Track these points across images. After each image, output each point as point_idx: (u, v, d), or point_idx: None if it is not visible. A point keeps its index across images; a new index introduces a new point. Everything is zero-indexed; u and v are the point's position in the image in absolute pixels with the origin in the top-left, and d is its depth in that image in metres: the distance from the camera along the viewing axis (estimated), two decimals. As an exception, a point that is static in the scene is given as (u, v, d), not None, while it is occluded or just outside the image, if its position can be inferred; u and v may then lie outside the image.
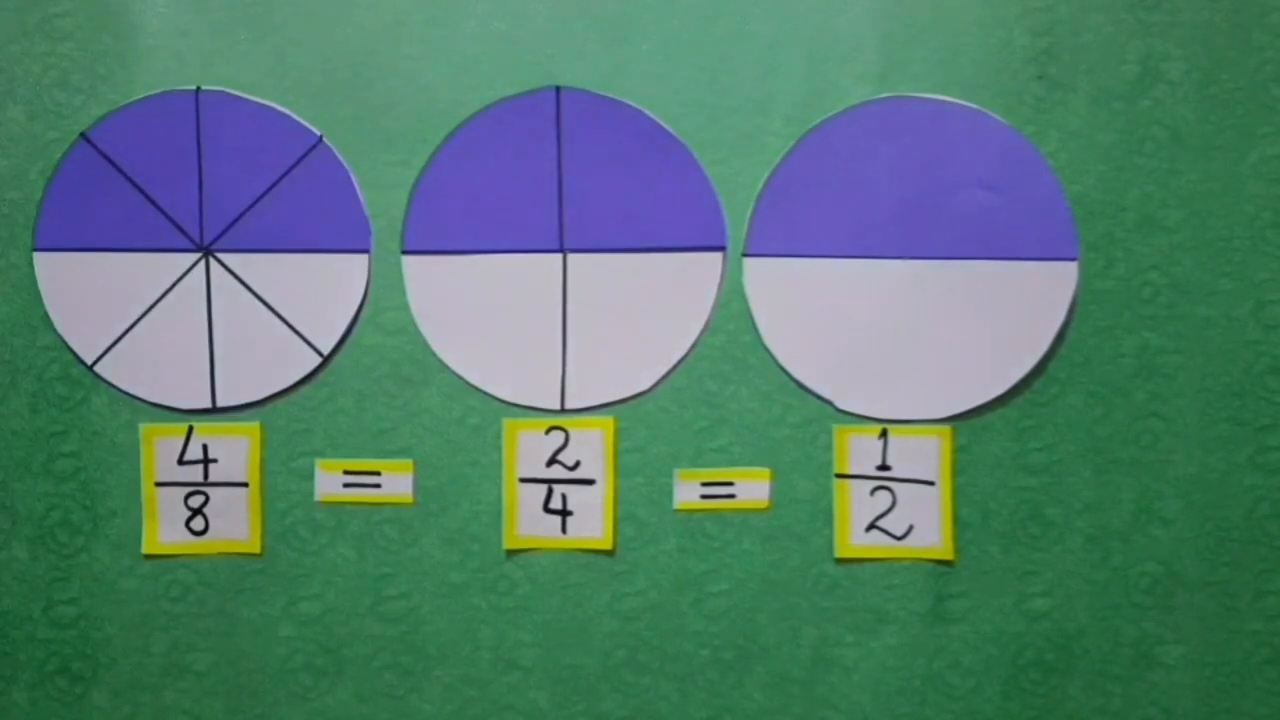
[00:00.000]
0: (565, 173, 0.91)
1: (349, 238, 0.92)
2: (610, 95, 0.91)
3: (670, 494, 0.92)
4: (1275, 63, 0.89)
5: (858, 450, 0.92)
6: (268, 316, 0.93)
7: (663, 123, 0.91)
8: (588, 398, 0.92)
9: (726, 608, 0.92)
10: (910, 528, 0.92)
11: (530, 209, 0.91)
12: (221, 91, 0.92)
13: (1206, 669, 0.91)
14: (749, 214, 0.91)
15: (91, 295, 0.93)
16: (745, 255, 0.91)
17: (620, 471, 0.92)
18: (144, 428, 0.93)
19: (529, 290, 0.92)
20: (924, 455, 0.91)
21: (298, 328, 0.93)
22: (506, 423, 0.93)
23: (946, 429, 0.91)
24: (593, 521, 0.92)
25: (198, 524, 0.93)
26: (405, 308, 0.92)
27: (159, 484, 0.93)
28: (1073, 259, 0.90)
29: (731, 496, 0.92)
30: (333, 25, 0.91)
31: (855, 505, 0.92)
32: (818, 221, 0.91)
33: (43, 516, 0.93)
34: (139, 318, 0.93)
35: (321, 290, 0.92)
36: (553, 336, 0.92)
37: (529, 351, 0.92)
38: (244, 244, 0.92)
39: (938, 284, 0.90)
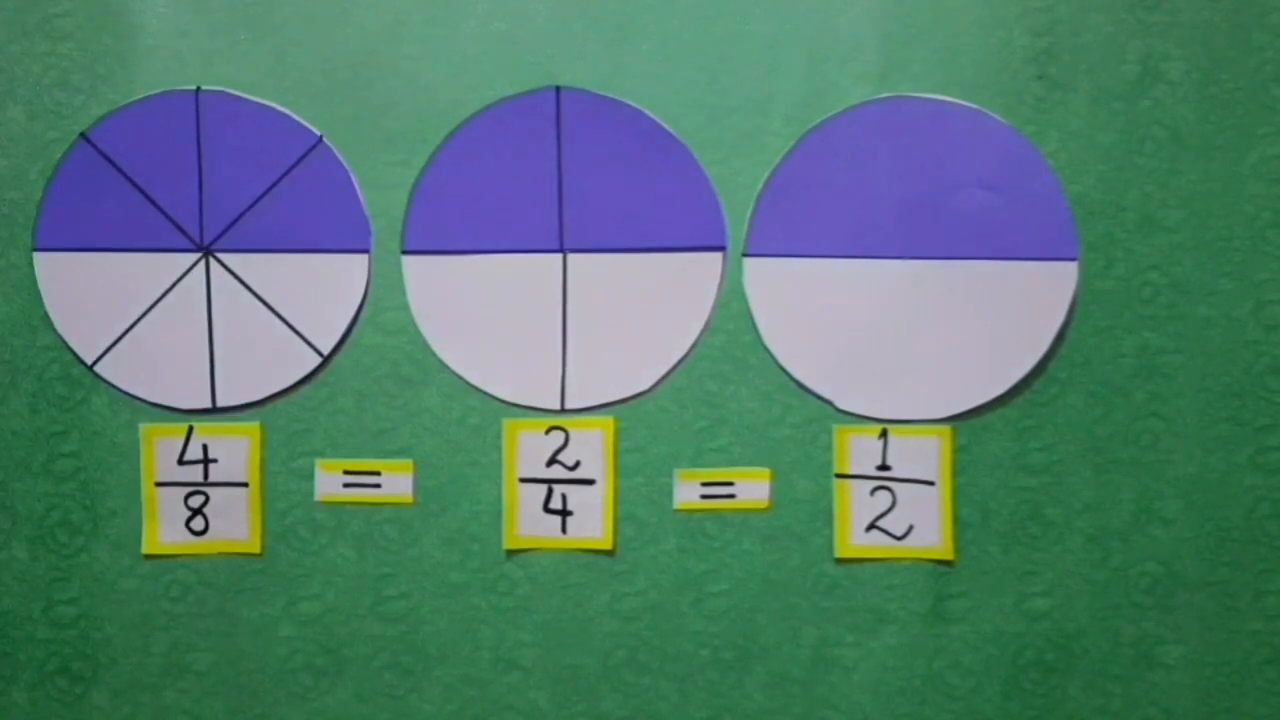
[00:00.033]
0: (565, 173, 0.91)
1: (349, 238, 0.92)
2: (610, 95, 0.91)
3: (670, 494, 0.92)
4: (1275, 63, 0.89)
5: (858, 450, 0.92)
6: (268, 316, 0.93)
7: (663, 123, 0.91)
8: (588, 398, 0.92)
9: (726, 608, 0.92)
10: (910, 528, 0.92)
11: (530, 209, 0.91)
12: (221, 91, 0.92)
13: (1206, 669, 0.91)
14: (749, 214, 0.91)
15: (91, 295, 0.93)
16: (745, 255, 0.91)
17: (620, 471, 0.92)
18: (144, 428, 0.93)
19: (529, 290, 0.92)
20: (924, 455, 0.91)
21: (298, 328, 0.93)
22: (506, 423, 0.93)
23: (946, 429, 0.91)
24: (593, 521, 0.92)
25: (198, 524, 0.93)
26: (405, 308, 0.92)
27: (159, 484, 0.93)
28: (1073, 259, 0.90)
29: (731, 496, 0.92)
30: (333, 25, 0.91)
31: (855, 505, 0.92)
32: (818, 221, 0.91)
33: (43, 516, 0.93)
34: (139, 318, 0.93)
35: (321, 290, 0.92)
36: (553, 336, 0.92)
37: (529, 351, 0.92)
38: (244, 244, 0.92)
39: (938, 284, 0.90)
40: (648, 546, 0.92)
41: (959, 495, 0.91)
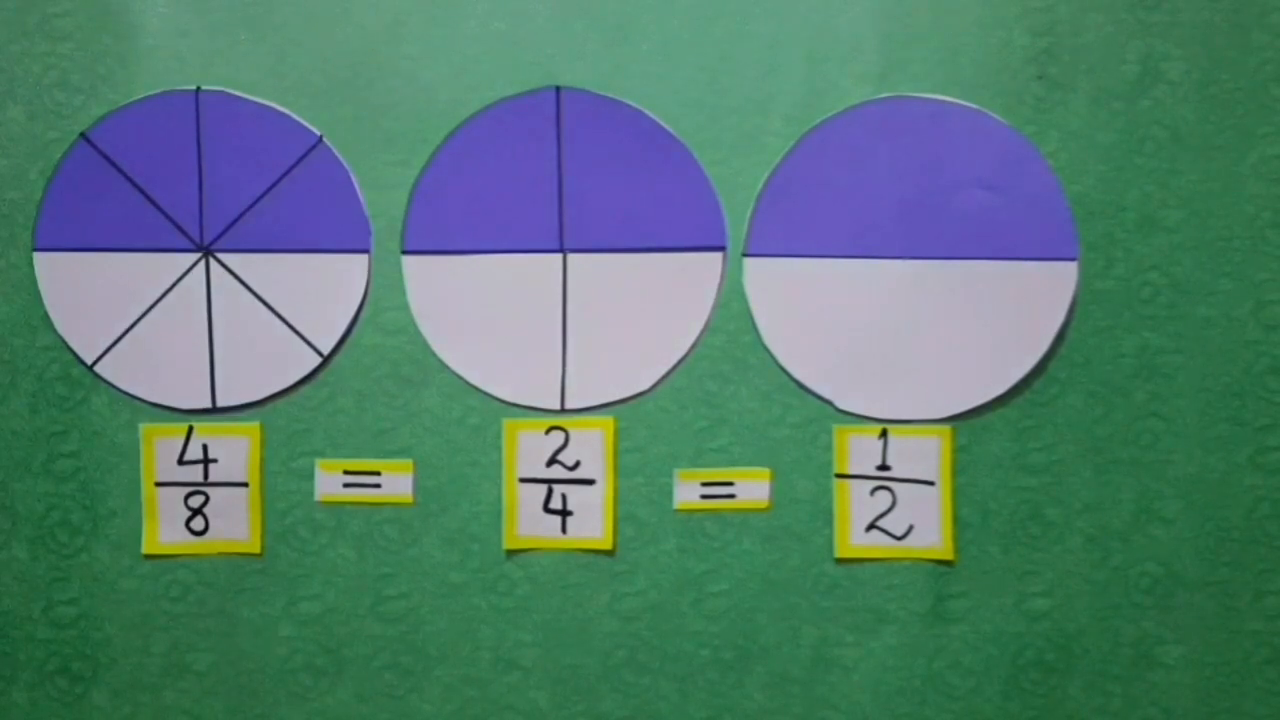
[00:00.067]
0: (565, 173, 0.91)
1: (349, 238, 0.92)
2: (610, 95, 0.91)
3: (670, 494, 0.92)
4: (1275, 63, 0.89)
5: (858, 450, 0.92)
6: (268, 316, 0.93)
7: (663, 123, 0.91)
8: (588, 398, 0.92)
9: (726, 608, 0.92)
10: (910, 528, 0.92)
11: (530, 209, 0.91)
12: (221, 91, 0.92)
13: (1206, 669, 0.91)
14: (749, 214, 0.91)
15: (91, 295, 0.93)
16: (745, 255, 0.91)
17: (620, 471, 0.92)
18: (144, 428, 0.93)
19: (529, 290, 0.92)
20: (924, 455, 0.91)
21: (298, 328, 0.93)
22: (506, 423, 0.93)
23: (946, 429, 0.91)
24: (593, 521, 0.92)
25: (198, 524, 0.93)
26: (405, 308, 0.92)
27: (159, 484, 0.93)
28: (1073, 259, 0.90)
29: (731, 496, 0.92)
30: (333, 25, 0.91)
31: (855, 505, 0.92)
32: (818, 221, 0.91)
33: (43, 516, 0.93)
34: (139, 318, 0.93)
35: (321, 290, 0.92)
36: (553, 336, 0.92)
37: (529, 351, 0.92)
38: (244, 244, 0.92)
39: (938, 284, 0.91)
40: (648, 546, 0.92)
41: (959, 495, 0.91)
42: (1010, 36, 0.89)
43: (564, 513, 0.93)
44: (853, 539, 0.92)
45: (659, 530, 0.92)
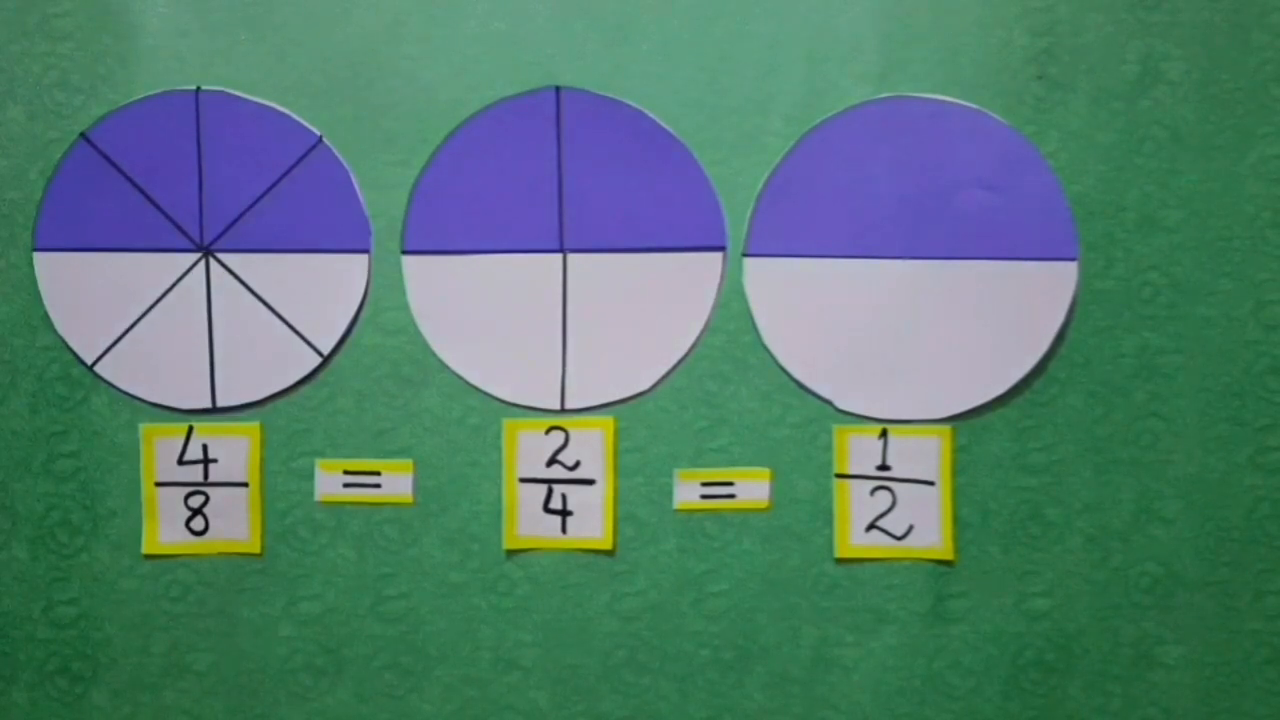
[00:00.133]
0: (565, 173, 0.91)
1: (349, 238, 0.92)
2: (610, 95, 0.91)
3: (670, 494, 0.92)
4: (1275, 63, 0.89)
5: (858, 450, 0.92)
6: (268, 316, 0.93)
7: (663, 123, 0.91)
8: (588, 398, 0.92)
9: (726, 608, 0.92)
10: (910, 528, 0.92)
11: (530, 209, 0.91)
12: (221, 91, 0.92)
13: (1206, 669, 0.91)
14: (749, 214, 0.91)
15: (91, 295, 0.93)
16: (745, 255, 0.91)
17: (620, 471, 0.92)
18: (144, 428, 0.93)
19: (529, 290, 0.92)
20: (924, 455, 0.91)
21: (298, 328, 0.93)
22: (506, 423, 0.93)
23: (946, 429, 0.91)
24: (593, 521, 0.92)
25: (198, 524, 0.93)
26: (405, 308, 0.92)
27: (159, 484, 0.93)
28: (1073, 259, 0.90)
29: (731, 496, 0.92)
30: (333, 25, 0.91)
31: (855, 505, 0.92)
32: (818, 221, 0.91)
33: (43, 516, 0.93)
34: (139, 318, 0.93)
35: (321, 290, 0.92)
36: (553, 336, 0.92)
37: (529, 351, 0.92)
38: (244, 244, 0.92)
39: (938, 284, 0.91)
40: (648, 546, 0.92)
41: (959, 495, 0.91)
42: (1010, 36, 0.89)
43: (564, 513, 0.93)
44: (853, 539, 0.92)
45: (659, 530, 0.92)
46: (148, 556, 0.94)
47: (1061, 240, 0.90)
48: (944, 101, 0.90)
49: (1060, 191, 0.90)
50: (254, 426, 0.93)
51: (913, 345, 0.91)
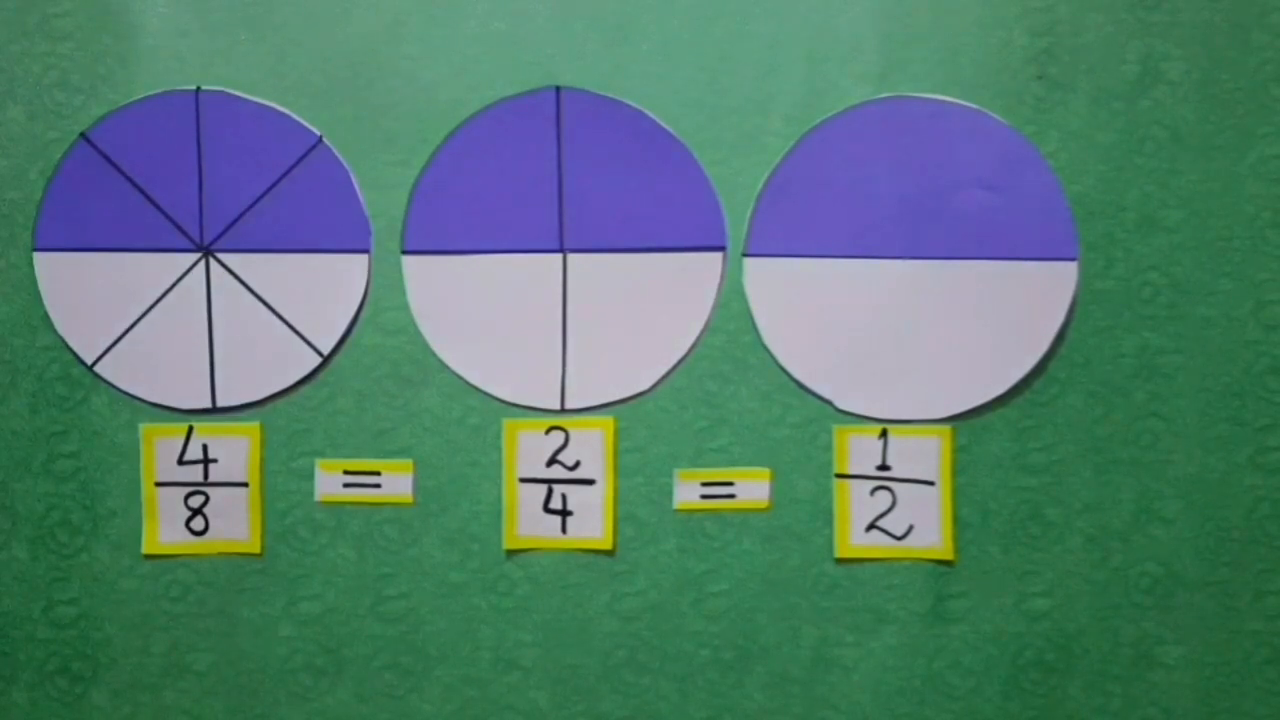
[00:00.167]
0: (565, 173, 0.91)
1: (349, 238, 0.92)
2: (610, 95, 0.91)
3: (670, 494, 0.92)
4: (1275, 63, 0.89)
5: (858, 450, 0.92)
6: (268, 316, 0.93)
7: (663, 123, 0.91)
8: (588, 398, 0.92)
9: (726, 608, 0.92)
10: (910, 528, 0.92)
11: (530, 209, 0.91)
12: (221, 91, 0.92)
13: (1206, 669, 0.91)
14: (749, 214, 0.91)
15: (91, 295, 0.93)
16: (745, 255, 0.91)
17: (620, 471, 0.92)
18: (144, 428, 0.93)
19: (529, 290, 0.92)
20: (924, 455, 0.91)
21: (298, 328, 0.93)
22: (506, 423, 0.93)
23: (946, 429, 0.91)
24: (593, 521, 0.92)
25: (198, 524, 0.93)
26: (405, 308, 0.92)
27: (159, 484, 0.93)
28: (1073, 259, 0.90)
29: (731, 496, 0.92)
30: (333, 25, 0.91)
31: (855, 505, 0.92)
32: (818, 221, 0.91)
33: (43, 516, 0.93)
34: (139, 318, 0.93)
35: (321, 290, 0.92)
36: (553, 336, 0.92)
37: (529, 351, 0.92)
38: (244, 244, 0.92)
39: (938, 284, 0.91)
40: (648, 546, 0.92)
41: (959, 495, 0.91)
42: (1010, 36, 0.89)
43: (564, 513, 0.93)
44: (853, 539, 0.92)
45: (659, 530, 0.92)
46: (148, 556, 0.94)
47: (1061, 240, 0.90)
48: (944, 101, 0.90)
49: (1060, 191, 0.90)
50: (254, 426, 0.93)
51: (913, 345, 0.91)
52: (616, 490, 0.92)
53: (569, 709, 0.93)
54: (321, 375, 0.93)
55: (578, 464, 0.92)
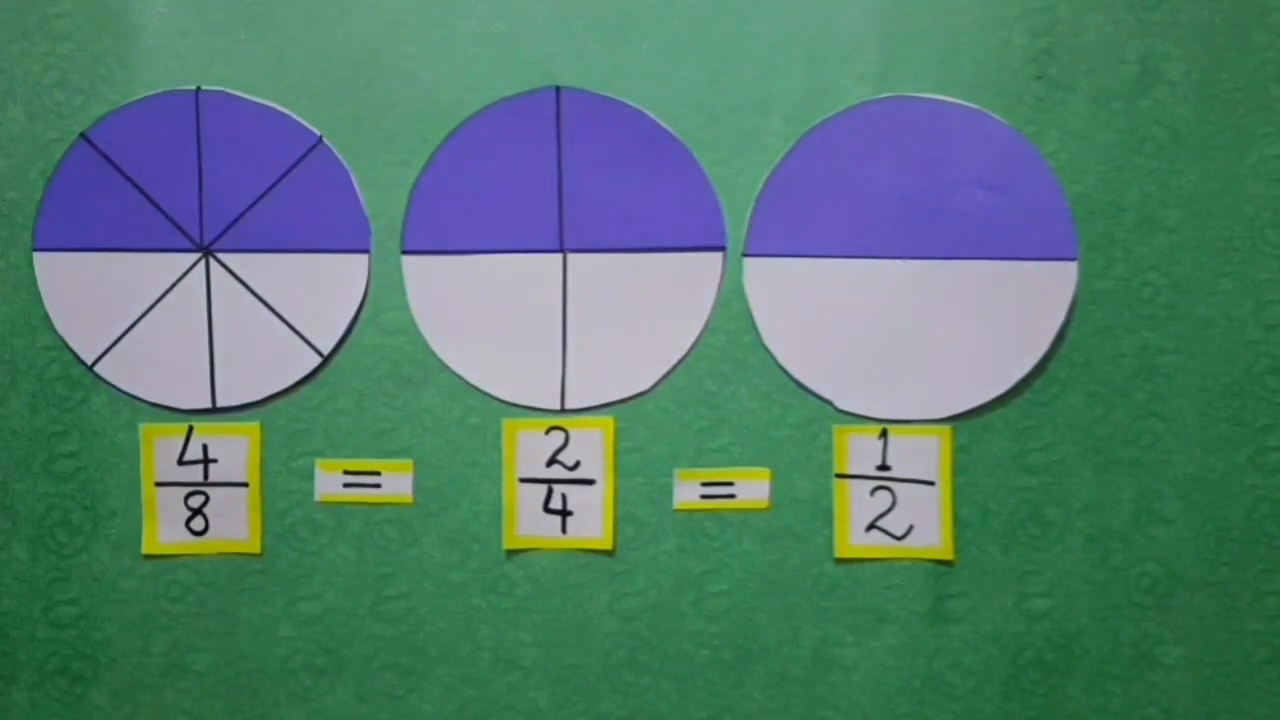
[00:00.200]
0: (565, 173, 0.91)
1: (349, 238, 0.92)
2: (610, 95, 0.91)
3: (670, 494, 0.92)
4: (1275, 63, 0.89)
5: (858, 450, 0.92)
6: (268, 316, 0.93)
7: (663, 123, 0.91)
8: (588, 398, 0.92)
9: (726, 608, 0.92)
10: (910, 528, 0.92)
11: (530, 209, 0.91)
12: (221, 91, 0.92)
13: (1206, 669, 0.91)
14: (749, 214, 0.91)
15: (91, 295, 0.93)
16: (745, 255, 0.91)
17: (620, 471, 0.92)
18: (144, 428, 0.93)
19: (529, 290, 0.92)
20: (924, 455, 0.91)
21: (298, 328, 0.93)
22: (506, 423, 0.93)
23: (946, 429, 0.91)
24: (593, 521, 0.92)
25: (198, 524, 0.93)
26: (405, 308, 0.92)
27: (159, 484, 0.93)
28: (1073, 259, 0.90)
29: (731, 496, 0.92)
30: (333, 25, 0.91)
31: (855, 505, 0.92)
32: (818, 221, 0.91)
33: (43, 516, 0.93)
34: (139, 318, 0.93)
35: (321, 290, 0.92)
36: (553, 336, 0.92)
37: (529, 351, 0.92)
38: (244, 244, 0.92)
39: (938, 284, 0.91)
40: (648, 546, 0.92)
41: (959, 495, 0.91)
42: (1010, 36, 0.89)
43: (564, 513, 0.93)
44: (853, 539, 0.92)
45: (659, 530, 0.92)
46: (148, 556, 0.94)
47: (1061, 240, 0.90)
48: (944, 101, 0.90)
49: (1060, 191, 0.90)
50: (254, 426, 0.93)
51: (913, 345, 0.91)
52: (616, 490, 0.92)
53: (569, 709, 0.93)
54: (321, 375, 0.93)
55: (578, 464, 0.92)
